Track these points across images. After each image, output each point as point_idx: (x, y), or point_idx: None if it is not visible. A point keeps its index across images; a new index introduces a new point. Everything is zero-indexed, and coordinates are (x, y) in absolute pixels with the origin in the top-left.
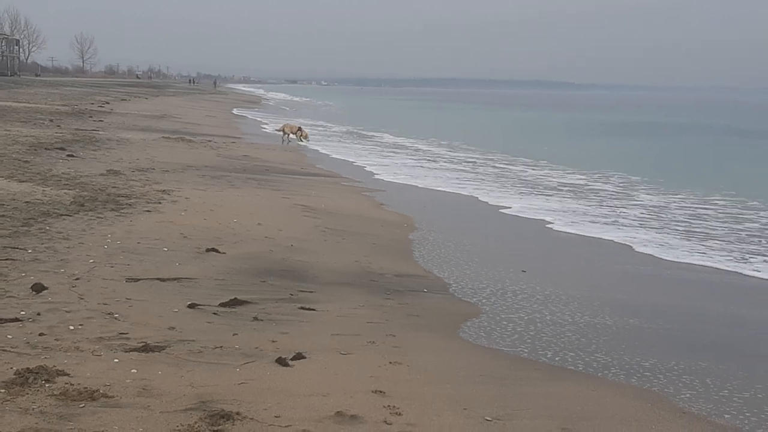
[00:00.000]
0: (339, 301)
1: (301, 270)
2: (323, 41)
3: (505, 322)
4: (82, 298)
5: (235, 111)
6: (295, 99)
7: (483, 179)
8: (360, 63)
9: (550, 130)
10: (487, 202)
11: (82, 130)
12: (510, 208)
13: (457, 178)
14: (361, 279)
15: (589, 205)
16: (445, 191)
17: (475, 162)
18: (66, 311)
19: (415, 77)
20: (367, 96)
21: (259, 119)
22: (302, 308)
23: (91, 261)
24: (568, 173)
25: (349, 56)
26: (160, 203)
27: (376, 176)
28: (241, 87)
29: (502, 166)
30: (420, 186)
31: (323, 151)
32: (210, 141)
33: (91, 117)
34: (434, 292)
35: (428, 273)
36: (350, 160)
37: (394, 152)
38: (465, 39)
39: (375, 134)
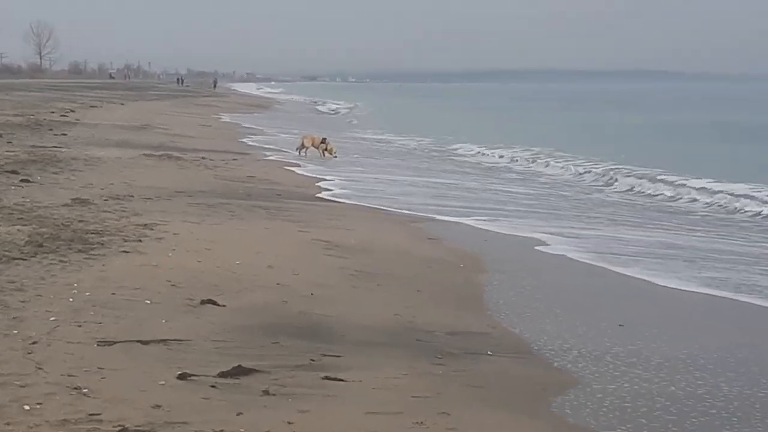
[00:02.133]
0: (374, 367)
1: (324, 327)
2: (349, 27)
3: (609, 397)
4: (40, 368)
5: (237, 119)
6: (334, 104)
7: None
8: (398, 54)
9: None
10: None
11: (40, 147)
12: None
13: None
14: (402, 338)
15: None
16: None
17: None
18: (20, 385)
19: (468, 71)
20: (413, 95)
21: (270, 129)
22: (327, 378)
23: (53, 319)
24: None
25: (384, 46)
26: (140, 241)
27: (432, 202)
28: (244, 87)
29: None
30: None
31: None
32: (205, 158)
33: (51, 130)
34: (503, 354)
35: (493, 329)
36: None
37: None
38: (529, 26)
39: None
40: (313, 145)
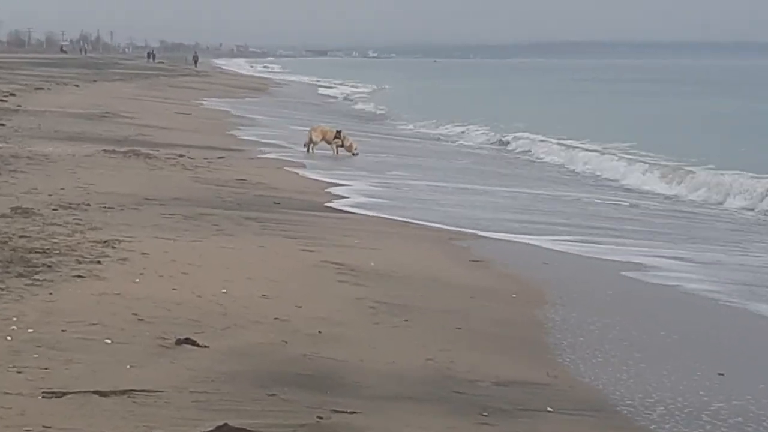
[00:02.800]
0: (399, 428)
1: (334, 374)
2: None
3: None
4: None
5: (225, 106)
6: (349, 87)
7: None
8: (431, 23)
9: None
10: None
11: None
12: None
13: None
14: (437, 389)
15: None
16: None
17: None
18: None
19: (520, 43)
20: (455, 74)
21: (267, 118)
22: None
23: None
24: None
25: (414, 12)
26: (99, 263)
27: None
28: (234, 64)
29: None
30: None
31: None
32: (183, 156)
33: None
34: (567, 411)
35: (554, 378)
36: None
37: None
38: None
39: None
40: (324, 139)
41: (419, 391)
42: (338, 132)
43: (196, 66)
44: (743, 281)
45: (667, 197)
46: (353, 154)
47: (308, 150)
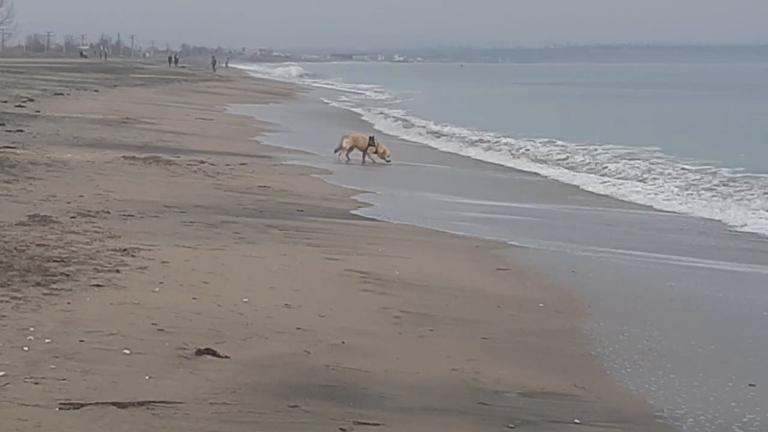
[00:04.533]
0: None
1: (358, 385)
2: None
3: None
4: None
5: (248, 111)
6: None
7: None
8: (458, 25)
9: None
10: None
11: None
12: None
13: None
14: (462, 401)
15: None
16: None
17: None
18: None
19: (556, 46)
20: (487, 79)
21: (292, 124)
22: None
23: (2, 374)
24: None
25: (440, 15)
26: (118, 272)
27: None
28: (257, 68)
29: None
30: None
31: None
32: (204, 163)
33: (2, 124)
34: (595, 423)
35: (582, 389)
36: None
37: None
38: None
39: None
40: (356, 146)
41: (444, 402)
42: (371, 138)
43: (214, 70)
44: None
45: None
46: (387, 161)
47: (340, 157)
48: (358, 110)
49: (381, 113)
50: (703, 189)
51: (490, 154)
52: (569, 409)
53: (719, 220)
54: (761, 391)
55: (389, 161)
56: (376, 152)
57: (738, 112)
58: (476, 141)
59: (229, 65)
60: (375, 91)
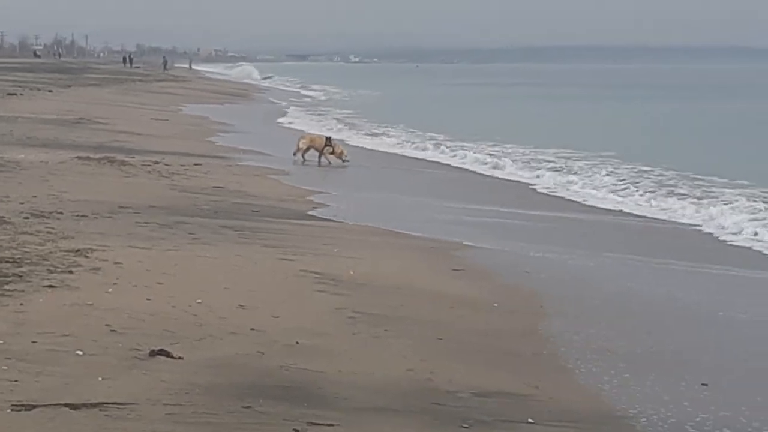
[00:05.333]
0: None
1: (312, 386)
2: None
3: None
4: None
5: (204, 111)
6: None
7: None
8: (415, 26)
9: None
10: None
11: None
12: None
13: None
14: (416, 401)
15: None
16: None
17: None
18: None
19: (512, 47)
20: (439, 79)
21: (247, 124)
22: None
23: None
24: None
25: (397, 17)
26: (71, 273)
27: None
28: (212, 68)
29: None
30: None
31: None
32: (159, 163)
33: None
34: (548, 423)
35: (535, 389)
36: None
37: None
38: None
39: None
40: (313, 146)
41: (398, 402)
42: (328, 139)
43: (165, 70)
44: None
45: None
46: (344, 162)
47: (297, 158)
48: (301, 112)
49: (325, 114)
50: (657, 189)
51: (439, 156)
52: (523, 409)
53: (673, 221)
54: (714, 391)
55: (347, 162)
56: (332, 153)
57: (683, 113)
58: (425, 142)
59: (192, 67)
60: (327, 92)
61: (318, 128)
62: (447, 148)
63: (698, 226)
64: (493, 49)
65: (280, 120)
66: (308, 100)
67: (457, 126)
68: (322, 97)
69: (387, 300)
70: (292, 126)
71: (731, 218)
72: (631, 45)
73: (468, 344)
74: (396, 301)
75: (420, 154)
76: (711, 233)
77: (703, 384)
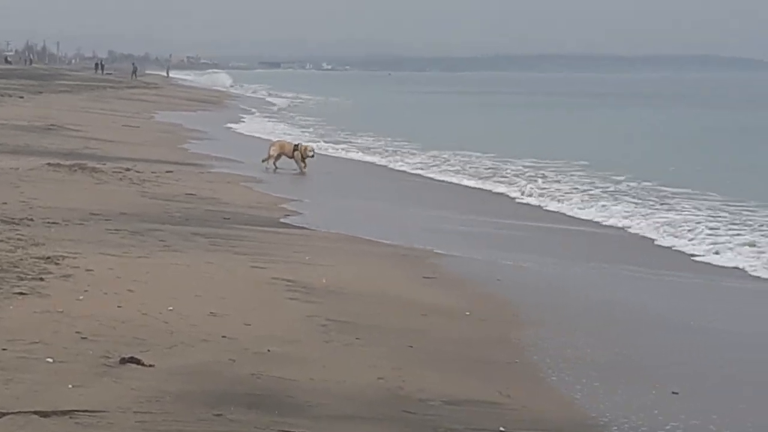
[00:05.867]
0: None
1: (283, 394)
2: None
3: None
4: None
5: (176, 119)
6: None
7: None
8: (388, 34)
9: None
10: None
11: None
12: None
13: None
14: (387, 409)
15: None
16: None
17: None
18: None
19: (484, 55)
20: (411, 87)
21: (220, 131)
22: None
23: None
24: None
25: (370, 24)
26: (41, 280)
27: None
28: (184, 75)
29: None
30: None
31: None
32: (130, 170)
33: None
34: (520, 431)
35: (507, 398)
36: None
37: None
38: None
39: None
40: (283, 153)
41: (369, 410)
42: (296, 146)
43: (135, 77)
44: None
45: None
46: (310, 156)
47: (267, 165)
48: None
49: (293, 121)
50: (627, 199)
51: (408, 164)
52: (494, 417)
53: (639, 233)
54: (684, 399)
55: (312, 155)
56: (303, 155)
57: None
58: (394, 150)
59: (163, 74)
60: (298, 99)
61: (288, 136)
62: (415, 155)
63: (664, 235)
64: (466, 57)
65: (251, 126)
66: (277, 107)
67: (427, 134)
68: (293, 104)
69: (359, 308)
70: (259, 133)
71: (690, 229)
72: (603, 54)
73: (440, 352)
74: (368, 308)
75: (390, 163)
76: (671, 246)
77: (673, 392)
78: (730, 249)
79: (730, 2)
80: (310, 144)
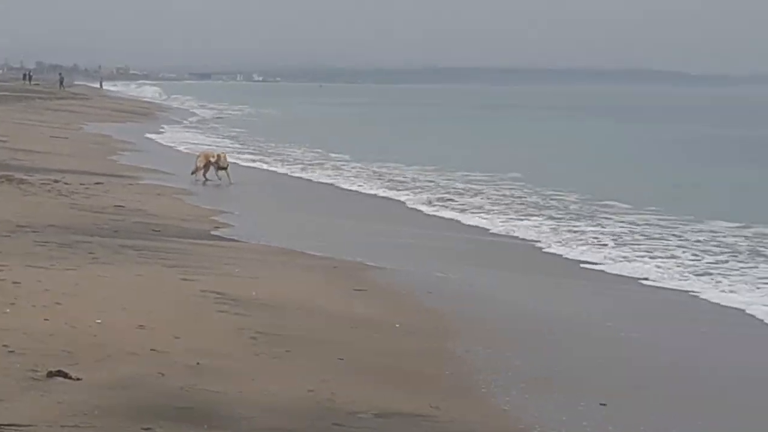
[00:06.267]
0: None
1: (212, 407)
2: (255, 8)
3: None
4: None
5: (106, 130)
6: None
7: None
8: (320, 46)
9: None
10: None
11: None
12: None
13: None
14: (317, 422)
15: None
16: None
17: None
18: None
19: (413, 67)
20: (341, 98)
21: (150, 143)
22: None
23: None
24: None
25: (302, 34)
26: None
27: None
28: (113, 87)
29: None
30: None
31: None
32: (59, 182)
33: None
34: None
35: (437, 410)
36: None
37: None
38: (490, 16)
39: None
40: (210, 163)
41: (299, 423)
42: (218, 156)
43: (62, 88)
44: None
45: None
46: (223, 168)
47: (196, 177)
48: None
49: (218, 132)
50: (558, 214)
51: (331, 177)
52: (424, 430)
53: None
54: (612, 410)
55: (226, 166)
56: (222, 166)
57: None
58: (319, 163)
59: (92, 86)
60: (225, 111)
61: (210, 147)
62: (340, 168)
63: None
64: (397, 69)
65: (173, 137)
66: (201, 117)
67: (353, 146)
68: (220, 116)
69: (289, 320)
70: (182, 144)
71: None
72: (536, 66)
73: (370, 365)
74: (298, 321)
75: (315, 176)
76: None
77: (601, 404)
78: (639, 258)
79: (658, 15)
80: (224, 153)
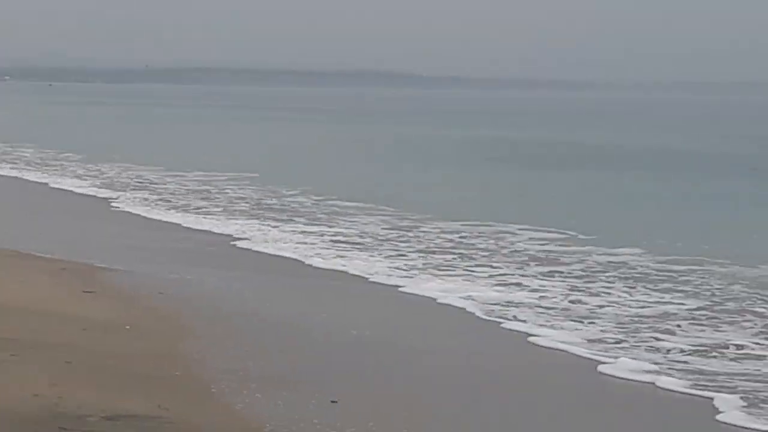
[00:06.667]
0: None
1: None
2: None
3: None
4: None
5: None
6: None
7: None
8: (52, 45)
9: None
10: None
11: None
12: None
13: None
14: (43, 426)
15: None
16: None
17: None
18: None
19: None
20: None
21: None
22: None
23: None
24: None
25: (30, 32)
26: None
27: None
28: None
29: None
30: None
31: None
32: None
33: None
34: None
35: (166, 411)
36: None
37: None
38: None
39: None
40: None
41: (24, 428)
42: None
43: None
44: None
45: None
46: None
47: None
48: None
49: None
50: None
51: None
52: (153, 430)
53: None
54: (342, 408)
55: None
56: None
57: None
58: (54, 167)
59: None
60: None
61: None
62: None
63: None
64: (132, 69)
65: None
66: None
67: (76, 146)
68: None
69: (18, 324)
70: None
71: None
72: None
73: (100, 367)
74: (27, 324)
75: (49, 179)
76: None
77: (332, 401)
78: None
79: (392, 16)
80: None
